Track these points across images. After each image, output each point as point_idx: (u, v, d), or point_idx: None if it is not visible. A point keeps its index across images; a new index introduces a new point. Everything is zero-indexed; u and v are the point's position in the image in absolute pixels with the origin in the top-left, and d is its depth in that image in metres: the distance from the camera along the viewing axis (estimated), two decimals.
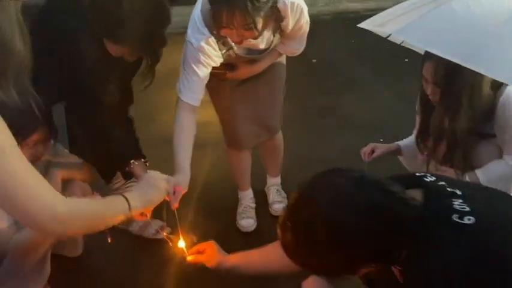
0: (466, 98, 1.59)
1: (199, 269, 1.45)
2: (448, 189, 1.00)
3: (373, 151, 1.97)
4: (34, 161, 1.63)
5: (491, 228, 0.93)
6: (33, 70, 1.73)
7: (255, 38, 1.58)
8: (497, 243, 0.92)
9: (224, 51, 1.66)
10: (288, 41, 1.80)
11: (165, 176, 1.33)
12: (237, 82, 1.91)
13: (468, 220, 0.91)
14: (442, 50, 1.33)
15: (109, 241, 1.69)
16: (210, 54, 1.61)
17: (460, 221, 0.91)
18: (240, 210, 2.21)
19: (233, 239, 2.08)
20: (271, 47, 1.79)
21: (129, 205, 1.13)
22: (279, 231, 1.02)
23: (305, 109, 3.29)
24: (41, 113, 1.57)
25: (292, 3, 1.62)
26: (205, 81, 1.67)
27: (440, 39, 1.37)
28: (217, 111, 2.06)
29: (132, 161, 1.76)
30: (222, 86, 1.91)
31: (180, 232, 1.47)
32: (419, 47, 1.68)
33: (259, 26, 1.47)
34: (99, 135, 1.72)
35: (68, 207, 0.97)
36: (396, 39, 1.83)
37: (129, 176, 1.82)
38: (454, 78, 1.59)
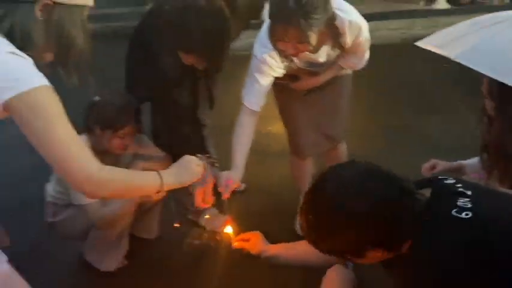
0: None
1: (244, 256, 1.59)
2: (460, 189, 1.05)
3: (434, 167, 1.95)
4: (123, 149, 1.94)
5: (486, 223, 0.97)
6: (130, 76, 2.10)
7: (312, 52, 1.71)
8: (488, 236, 0.95)
9: (286, 63, 1.82)
10: (348, 55, 1.90)
11: (198, 161, 1.42)
12: (303, 92, 2.05)
13: (466, 215, 0.97)
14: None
15: (177, 225, 1.90)
16: (272, 66, 1.78)
17: (457, 215, 0.97)
18: None
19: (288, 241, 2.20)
20: (330, 61, 1.90)
21: (161, 180, 1.22)
22: (298, 217, 1.14)
23: (385, 127, 3.31)
24: (133, 110, 1.89)
25: (350, 21, 1.72)
26: (266, 90, 1.83)
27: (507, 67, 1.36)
28: (282, 120, 2.21)
29: (198, 155, 1.97)
30: (288, 96, 2.07)
31: (228, 220, 1.64)
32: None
33: (312, 40, 1.59)
34: (173, 130, 1.97)
35: (104, 172, 1.09)
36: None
37: None
38: (509, 92, 1.56)
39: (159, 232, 2.29)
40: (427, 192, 1.07)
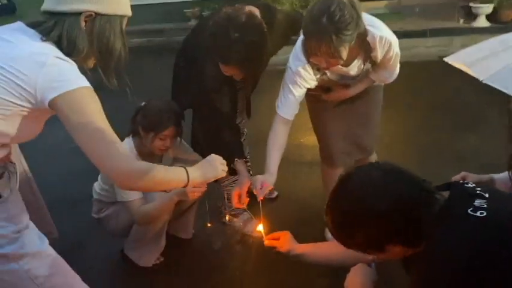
0: None
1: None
2: (478, 192, 1.10)
3: (464, 179, 1.98)
4: (164, 150, 2.09)
5: (500, 222, 1.02)
6: (175, 84, 2.25)
7: (343, 65, 1.80)
8: (502, 235, 1.00)
9: (318, 76, 1.92)
10: (379, 69, 1.98)
11: (222, 160, 1.53)
12: (335, 102, 2.15)
13: (480, 214, 1.03)
14: None
15: (209, 225, 2.03)
16: (305, 78, 1.88)
17: (472, 213, 1.03)
18: None
19: None
20: (362, 74, 1.99)
21: (187, 176, 1.34)
22: (325, 214, 1.22)
23: (420, 143, 3.34)
24: (175, 114, 2.04)
25: (381, 37, 1.81)
26: (299, 100, 1.93)
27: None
28: (314, 129, 2.31)
29: (235, 159, 2.09)
30: (320, 106, 2.17)
31: (261, 219, 1.75)
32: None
33: (344, 55, 1.68)
34: (212, 135, 2.10)
35: (138, 164, 1.23)
36: None
37: (233, 172, 2.15)
38: None
39: (193, 232, 2.42)
40: (445, 193, 1.13)
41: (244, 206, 1.93)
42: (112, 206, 2.15)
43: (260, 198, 1.80)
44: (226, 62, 1.84)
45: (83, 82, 1.17)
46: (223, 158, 2.14)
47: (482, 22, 5.59)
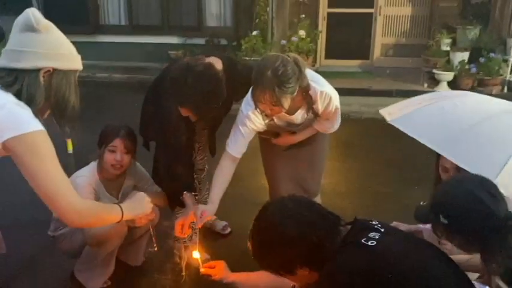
0: None
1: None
2: (376, 226, 1.29)
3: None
4: (116, 168, 2.22)
5: (385, 252, 1.20)
6: (142, 117, 2.43)
7: (288, 113, 2.03)
8: (385, 262, 1.18)
9: (267, 121, 2.15)
10: (321, 119, 2.23)
11: (149, 199, 1.73)
12: (284, 147, 2.36)
13: (371, 243, 1.21)
14: (427, 140, 1.66)
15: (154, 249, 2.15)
16: (254, 121, 2.11)
17: (364, 242, 1.21)
18: None
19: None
20: (306, 123, 2.22)
21: (122, 212, 1.54)
22: (248, 240, 1.39)
23: (376, 194, 3.55)
24: (124, 129, 2.23)
25: (322, 92, 2.06)
26: (247, 141, 2.15)
27: (427, 130, 1.67)
28: (265, 172, 2.54)
29: (184, 192, 2.25)
30: (270, 150, 2.39)
31: (197, 247, 1.90)
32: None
33: (285, 104, 1.90)
34: (166, 168, 2.26)
35: (84, 205, 1.38)
36: None
37: (182, 204, 2.30)
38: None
39: (144, 259, 2.51)
40: (347, 227, 1.32)
41: (185, 236, 2.14)
42: (68, 226, 2.25)
43: (199, 225, 2.03)
44: (181, 104, 2.05)
45: (38, 126, 1.28)
46: (174, 190, 2.30)
47: (443, 88, 6.00)
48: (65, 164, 1.39)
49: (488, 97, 1.97)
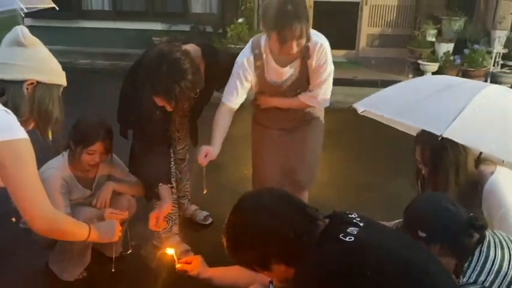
0: (452, 175, 1.77)
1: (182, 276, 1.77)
2: (354, 221, 1.24)
3: None
4: (92, 166, 2.17)
5: (363, 248, 1.16)
6: (119, 106, 2.35)
7: (281, 66, 2.09)
8: (363, 259, 1.13)
9: (258, 71, 2.15)
10: (313, 85, 2.17)
11: (119, 228, 1.81)
12: (277, 134, 2.33)
13: (349, 239, 1.16)
14: (386, 111, 1.76)
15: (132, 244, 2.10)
16: (246, 69, 2.13)
17: (342, 238, 1.16)
18: None
19: None
20: (292, 85, 2.19)
21: (89, 234, 1.59)
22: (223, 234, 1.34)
23: (358, 184, 3.55)
24: (104, 130, 2.12)
25: (321, 45, 2.06)
26: (241, 92, 2.17)
27: (387, 103, 1.74)
28: (253, 157, 2.48)
29: (160, 184, 2.20)
30: (261, 136, 2.37)
31: (170, 244, 1.86)
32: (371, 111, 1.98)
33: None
34: (142, 159, 2.20)
35: (54, 215, 1.43)
36: None
37: (157, 196, 2.24)
38: (439, 158, 1.80)
39: (121, 250, 2.45)
40: (326, 220, 1.27)
41: (160, 230, 2.10)
42: None
43: (204, 164, 2.07)
44: (155, 93, 1.98)
45: (23, 134, 1.32)
46: (149, 181, 2.24)
47: None
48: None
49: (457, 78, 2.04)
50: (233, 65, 2.39)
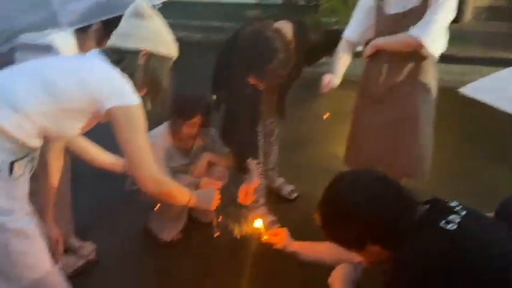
0: None
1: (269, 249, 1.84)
2: (455, 209, 1.20)
3: None
4: (190, 137, 2.30)
5: (467, 237, 1.12)
6: (213, 80, 2.45)
7: None
8: (466, 249, 1.10)
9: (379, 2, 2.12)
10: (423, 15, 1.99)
11: (218, 197, 1.84)
12: (384, 110, 2.23)
13: (451, 227, 1.12)
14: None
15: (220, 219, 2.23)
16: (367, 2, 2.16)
17: (443, 226, 1.13)
18: None
19: None
20: (414, 13, 2.02)
21: (190, 199, 1.67)
22: (316, 211, 1.35)
23: (455, 170, 3.33)
24: (201, 104, 2.24)
25: None
26: (363, 27, 2.19)
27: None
28: (350, 132, 2.44)
29: (249, 159, 2.25)
30: (364, 112, 2.33)
31: (262, 212, 1.90)
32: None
33: None
34: (232, 134, 2.28)
35: (162, 178, 1.51)
36: None
37: (244, 171, 2.30)
38: None
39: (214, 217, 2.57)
40: (425, 206, 1.24)
41: (248, 203, 2.18)
42: None
43: (325, 90, 2.17)
44: (247, 72, 2.03)
45: (138, 99, 1.42)
46: (238, 156, 2.32)
47: None
48: None
49: None
50: (324, 42, 2.36)
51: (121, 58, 1.45)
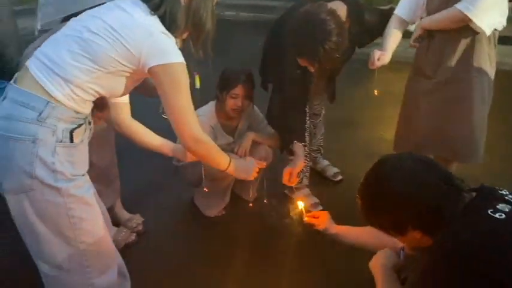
0: None
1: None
2: (505, 198, 1.14)
3: None
4: (235, 111, 2.35)
5: None
6: (262, 60, 2.45)
7: None
8: (510, 238, 1.04)
9: None
10: None
11: (256, 168, 1.86)
12: (436, 91, 2.15)
13: (499, 216, 1.07)
14: None
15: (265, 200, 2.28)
16: None
17: (492, 214, 1.08)
18: None
19: None
20: None
21: (228, 166, 1.67)
22: (357, 194, 1.34)
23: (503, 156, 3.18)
24: (245, 75, 2.29)
25: None
26: (413, 5, 2.16)
27: None
28: (400, 114, 2.39)
29: (294, 142, 2.25)
30: (415, 95, 2.26)
31: (300, 197, 1.95)
32: None
33: None
34: (279, 116, 2.28)
35: (203, 137, 1.50)
36: None
37: (291, 152, 2.30)
38: None
39: (256, 196, 2.58)
40: (472, 193, 1.19)
41: (292, 185, 2.19)
42: None
43: (374, 67, 2.16)
44: (299, 54, 1.99)
45: (180, 58, 1.38)
46: (284, 137, 2.32)
47: None
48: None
49: None
50: (378, 23, 2.28)
51: (161, 2, 1.39)
